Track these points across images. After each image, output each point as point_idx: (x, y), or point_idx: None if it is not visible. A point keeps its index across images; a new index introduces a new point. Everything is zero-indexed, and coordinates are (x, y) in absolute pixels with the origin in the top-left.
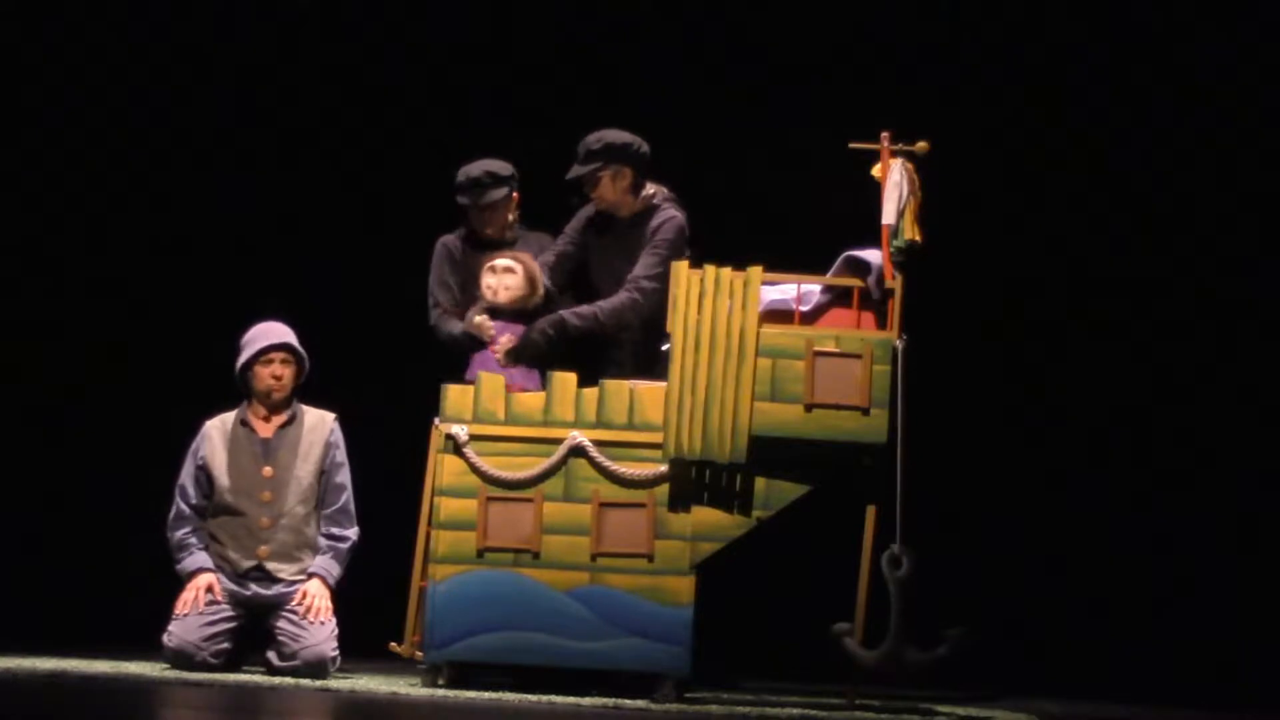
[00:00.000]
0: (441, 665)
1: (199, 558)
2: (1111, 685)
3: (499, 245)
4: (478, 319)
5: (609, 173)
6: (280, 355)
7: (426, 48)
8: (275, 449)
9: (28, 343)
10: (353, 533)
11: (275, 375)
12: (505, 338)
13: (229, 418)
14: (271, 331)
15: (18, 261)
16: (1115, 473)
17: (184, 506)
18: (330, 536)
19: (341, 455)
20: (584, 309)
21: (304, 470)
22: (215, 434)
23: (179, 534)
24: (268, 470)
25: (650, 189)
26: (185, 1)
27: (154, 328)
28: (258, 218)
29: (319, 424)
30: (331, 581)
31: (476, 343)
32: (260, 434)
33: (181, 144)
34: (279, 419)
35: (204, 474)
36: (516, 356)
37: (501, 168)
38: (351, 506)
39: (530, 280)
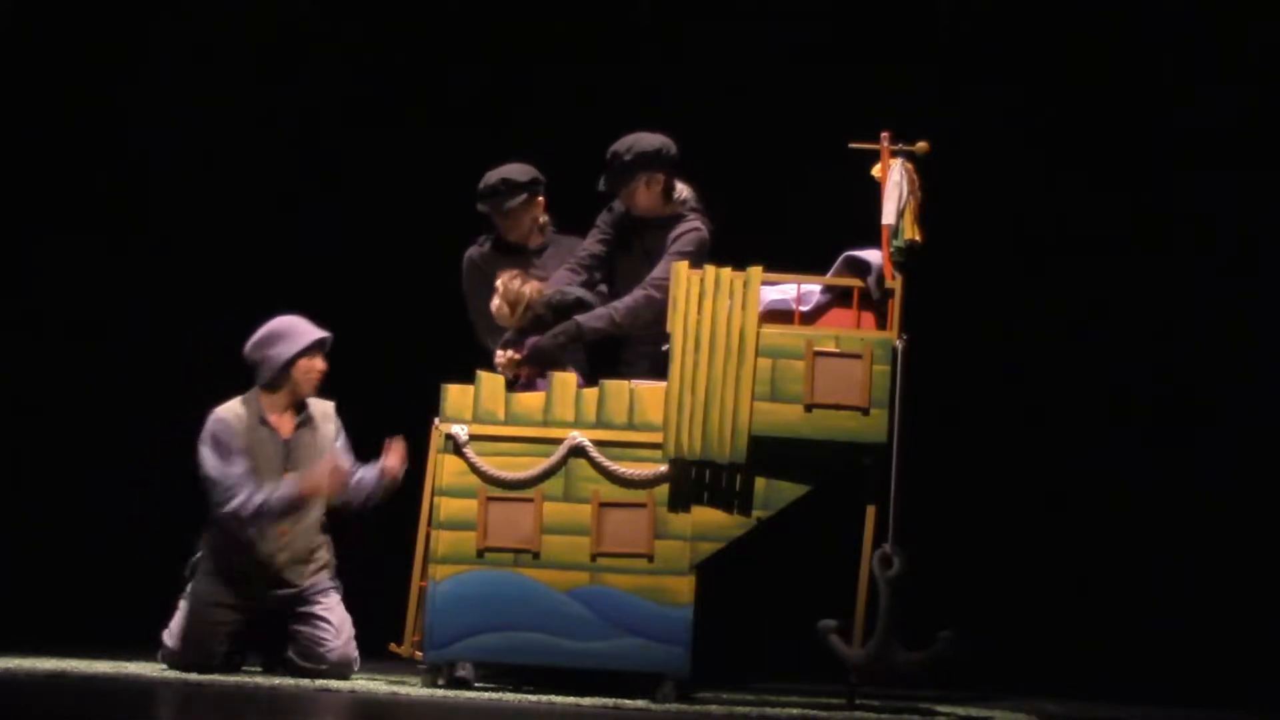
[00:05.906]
0: (441, 666)
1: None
2: (1111, 685)
3: (525, 250)
4: (498, 358)
5: (642, 181)
6: (322, 351)
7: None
8: (295, 451)
9: (27, 342)
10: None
11: (321, 370)
12: (509, 354)
13: (241, 412)
14: (311, 327)
15: (17, 262)
16: (1115, 472)
17: (239, 474)
18: None
19: (343, 441)
20: (600, 311)
21: None
22: (237, 426)
23: (245, 498)
24: (289, 478)
25: (682, 192)
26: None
27: (155, 326)
28: (258, 216)
29: (325, 417)
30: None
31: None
32: (281, 434)
33: (188, 142)
34: (294, 416)
35: (242, 458)
36: (527, 363)
37: (520, 173)
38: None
39: (509, 303)
